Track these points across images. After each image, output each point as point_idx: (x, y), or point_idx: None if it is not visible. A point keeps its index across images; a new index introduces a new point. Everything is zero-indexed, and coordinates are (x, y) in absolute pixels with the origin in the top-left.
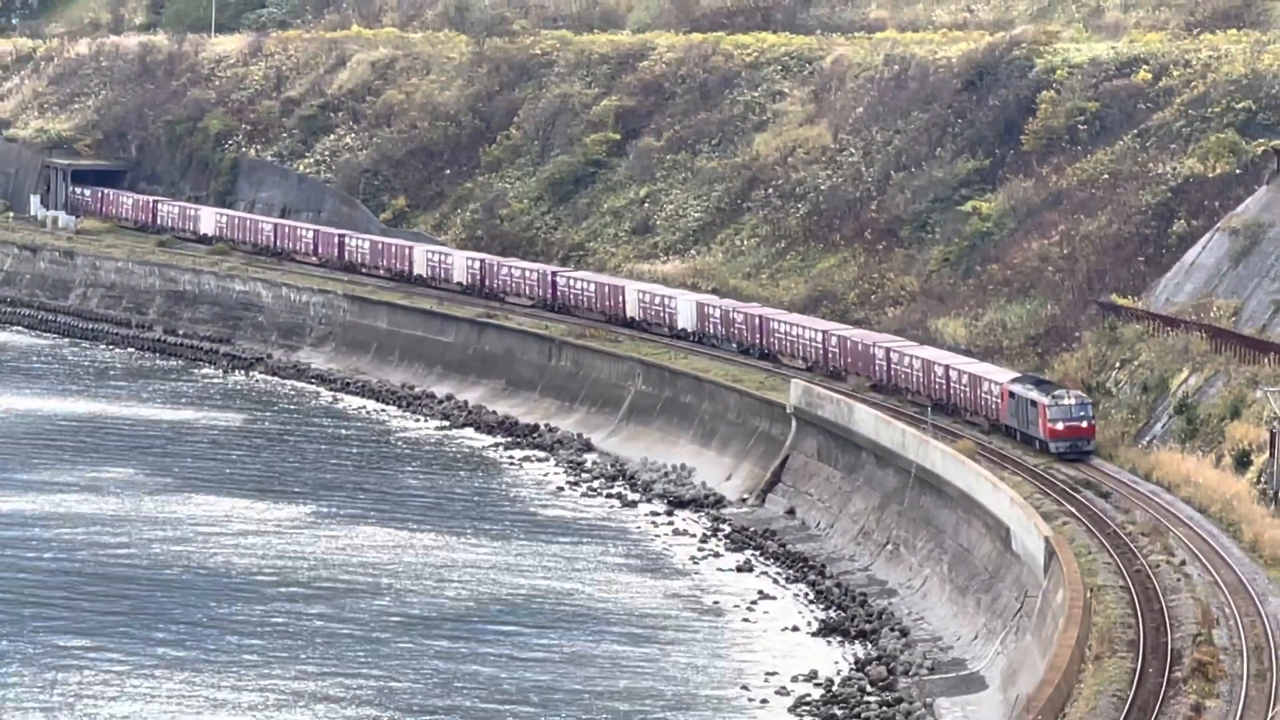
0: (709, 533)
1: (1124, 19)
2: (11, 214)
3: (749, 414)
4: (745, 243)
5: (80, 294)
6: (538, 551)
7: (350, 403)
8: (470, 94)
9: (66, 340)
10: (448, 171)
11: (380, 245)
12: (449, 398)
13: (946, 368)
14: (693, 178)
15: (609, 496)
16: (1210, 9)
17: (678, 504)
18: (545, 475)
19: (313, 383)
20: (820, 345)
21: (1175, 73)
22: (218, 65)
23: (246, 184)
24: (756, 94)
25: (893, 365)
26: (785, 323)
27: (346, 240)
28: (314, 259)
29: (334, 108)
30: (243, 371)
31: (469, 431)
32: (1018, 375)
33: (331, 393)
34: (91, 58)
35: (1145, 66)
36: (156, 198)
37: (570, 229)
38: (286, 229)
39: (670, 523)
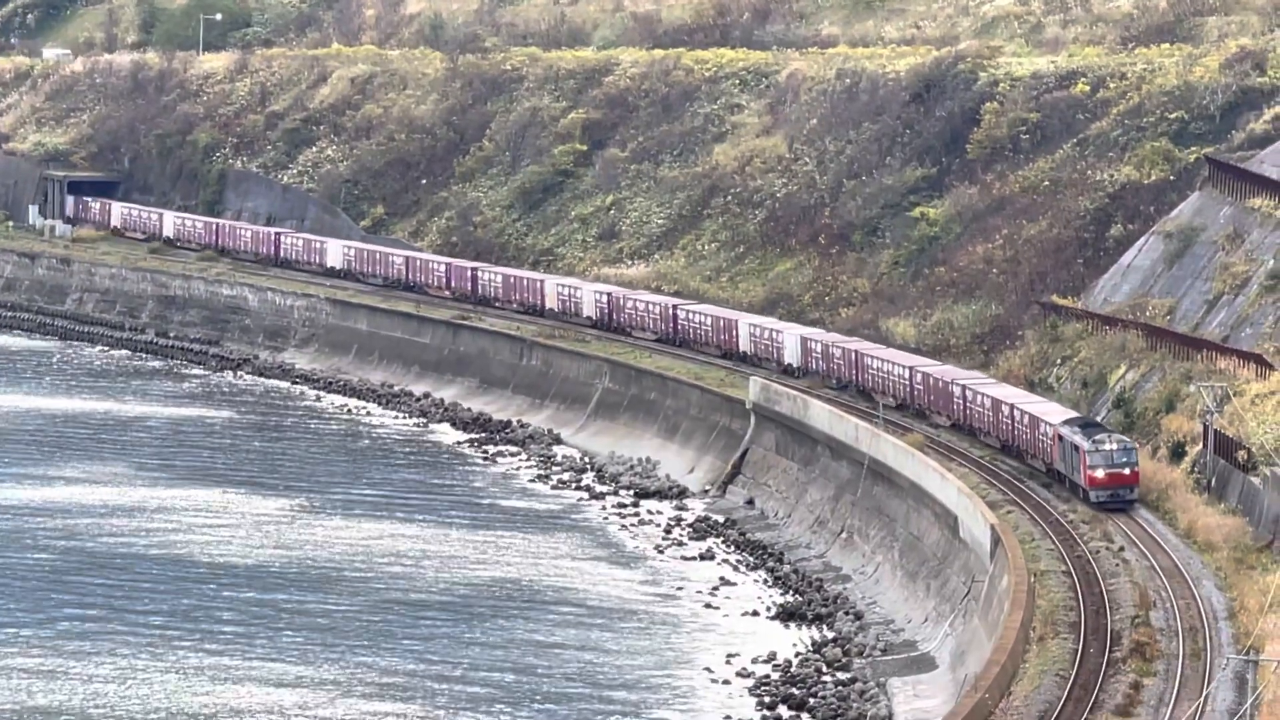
0: (673, 522)
1: (1063, 34)
2: (11, 223)
3: (710, 410)
4: (706, 247)
5: (77, 299)
6: (509, 540)
7: (332, 401)
8: (445, 108)
9: (64, 342)
10: (424, 181)
11: (513, 279)
12: (426, 396)
13: (1011, 407)
14: (655, 186)
15: (578, 488)
16: (1145, 24)
17: (643, 495)
18: (517, 468)
19: (297, 382)
20: (907, 382)
21: (1112, 85)
22: (206, 81)
23: (233, 194)
24: (716, 107)
25: (968, 404)
26: (878, 359)
27: (480, 274)
28: (446, 292)
29: (316, 121)
30: (230, 371)
31: (445, 427)
32: (1070, 416)
33: (315, 391)
34: (86, 75)
35: (1083, 79)
36: (280, 229)
37: (540, 235)
38: (418, 262)
39: (636, 513)
